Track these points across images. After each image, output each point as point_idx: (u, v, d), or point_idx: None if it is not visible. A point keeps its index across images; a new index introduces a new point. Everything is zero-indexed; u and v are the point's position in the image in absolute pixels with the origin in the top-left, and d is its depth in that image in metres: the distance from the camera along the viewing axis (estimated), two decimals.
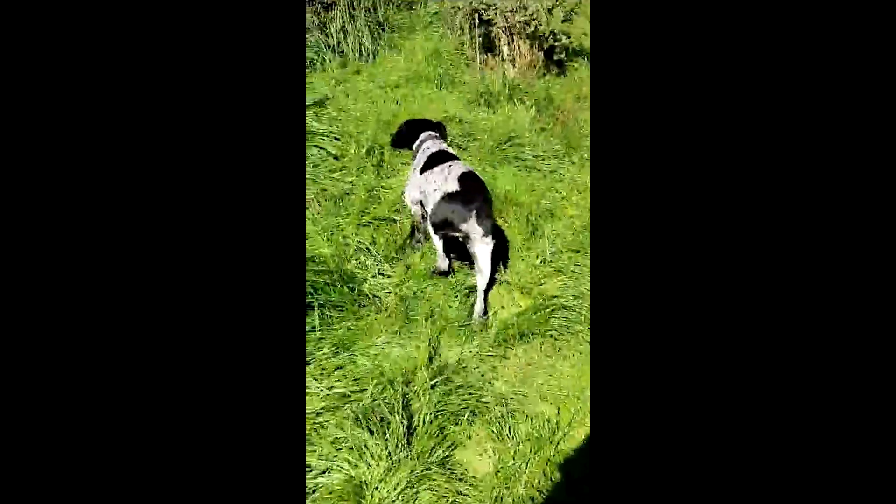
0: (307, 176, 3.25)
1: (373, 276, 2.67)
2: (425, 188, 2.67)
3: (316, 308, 2.39)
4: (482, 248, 2.51)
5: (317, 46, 4.70)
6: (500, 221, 3.16)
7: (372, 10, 5.17)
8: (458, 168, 2.62)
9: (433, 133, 2.99)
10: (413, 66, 4.70)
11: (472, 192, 2.50)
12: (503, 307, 2.68)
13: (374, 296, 2.58)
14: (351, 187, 3.27)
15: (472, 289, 2.67)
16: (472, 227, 2.47)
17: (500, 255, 2.80)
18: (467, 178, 2.55)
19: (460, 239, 2.56)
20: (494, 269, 2.62)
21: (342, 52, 4.83)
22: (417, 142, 2.97)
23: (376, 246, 2.83)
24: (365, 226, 2.98)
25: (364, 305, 2.53)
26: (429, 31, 5.33)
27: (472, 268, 2.64)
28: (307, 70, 4.54)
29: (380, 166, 3.46)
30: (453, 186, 2.52)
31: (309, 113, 3.72)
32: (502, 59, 4.76)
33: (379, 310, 2.52)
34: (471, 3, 4.64)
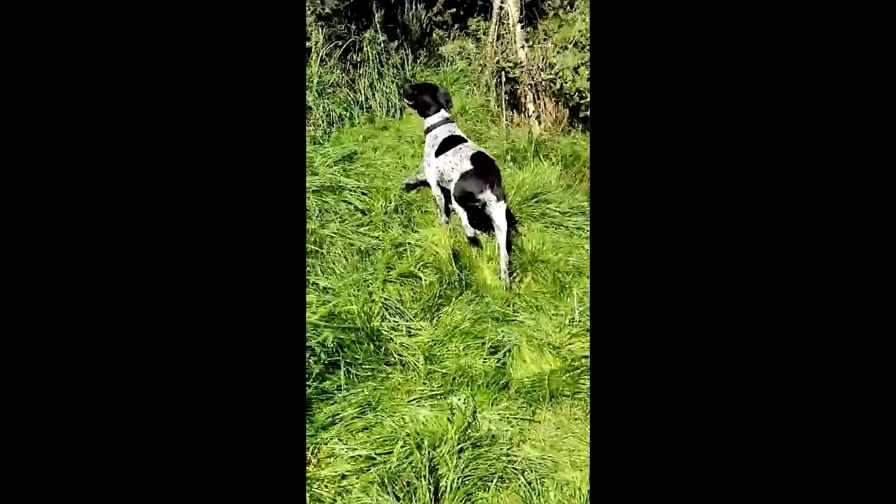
0: (335, 231, 3.26)
1: (400, 335, 2.64)
2: (444, 170, 3.32)
3: (342, 367, 2.36)
4: (498, 210, 3.13)
5: (345, 103, 4.78)
6: (526, 278, 3.15)
7: (400, 67, 5.28)
8: (468, 149, 3.29)
9: (440, 118, 3.53)
10: None
11: (485, 168, 3.17)
12: (528, 363, 2.63)
13: (400, 355, 2.55)
14: (378, 242, 3.27)
15: (500, 346, 2.66)
16: (488, 195, 3.12)
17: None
18: (478, 157, 3.22)
19: (479, 206, 3.19)
20: (510, 224, 3.27)
21: (370, 108, 4.91)
22: (427, 125, 3.55)
23: (403, 303, 2.81)
24: (391, 282, 2.97)
25: (391, 364, 2.50)
26: (455, 88, 5.42)
27: (493, 232, 3.22)
28: (335, 126, 4.61)
29: (407, 222, 3.47)
30: (468, 165, 3.17)
31: (337, 168, 3.76)
32: (528, 117, 4.81)
33: (406, 369, 2.49)
34: (497, 61, 4.72)
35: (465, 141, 3.41)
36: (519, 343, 2.69)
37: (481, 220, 3.30)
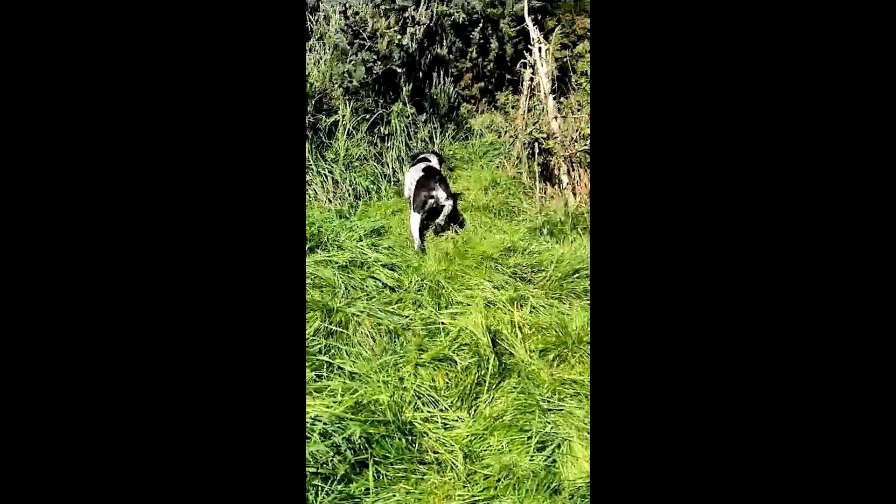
0: (362, 309, 3.02)
1: (435, 428, 2.34)
2: (408, 186, 4.13)
3: (371, 467, 2.06)
4: (446, 206, 3.90)
5: (373, 176, 4.64)
6: (570, 362, 2.86)
7: (429, 140, 5.16)
8: (422, 164, 4.19)
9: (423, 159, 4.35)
10: (471, 195, 4.59)
11: (431, 173, 4.01)
12: (581, 460, 2.31)
13: (436, 452, 2.25)
14: (408, 322, 3.02)
15: (548, 440, 2.37)
16: (438, 193, 3.85)
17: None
18: (428, 169, 4.09)
19: (435, 206, 3.87)
20: (451, 220, 4.04)
21: (398, 181, 4.76)
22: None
23: (437, 391, 2.53)
24: (423, 366, 2.69)
25: (426, 463, 2.20)
26: (485, 160, 5.28)
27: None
28: (362, 199, 4.45)
29: (439, 299, 3.22)
30: (419, 174, 4.02)
31: (365, 242, 3.57)
32: (562, 189, 4.61)
33: (443, 469, 2.18)
34: (530, 132, 4.57)
35: (429, 161, 4.29)
36: (569, 437, 2.38)
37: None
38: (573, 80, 5.49)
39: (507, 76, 6.15)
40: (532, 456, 2.28)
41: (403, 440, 2.22)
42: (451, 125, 5.59)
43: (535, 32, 4.84)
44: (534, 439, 2.33)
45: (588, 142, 4.48)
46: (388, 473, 2.11)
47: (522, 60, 5.00)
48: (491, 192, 4.63)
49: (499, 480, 2.15)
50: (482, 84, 6.21)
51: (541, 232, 4.04)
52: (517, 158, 4.88)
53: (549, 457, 2.30)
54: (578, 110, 4.75)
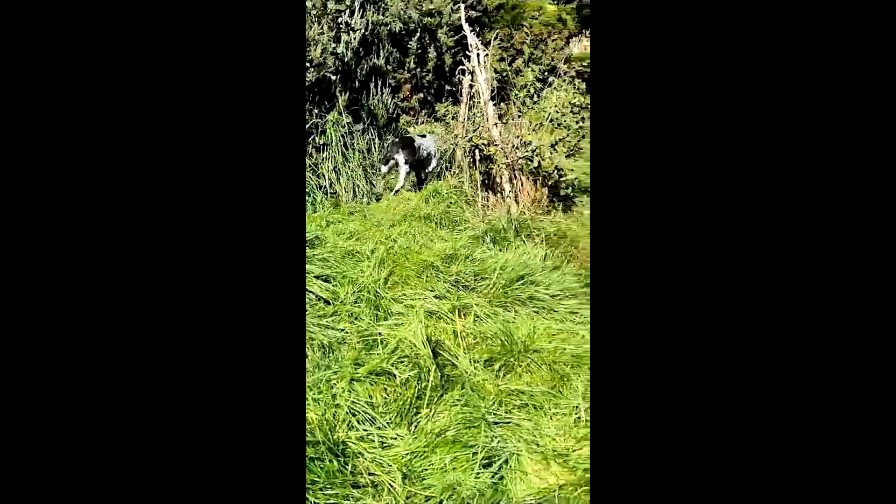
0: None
1: (371, 447, 2.13)
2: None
3: None
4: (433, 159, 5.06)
5: (307, 187, 4.42)
6: (517, 371, 2.69)
7: (366, 151, 4.98)
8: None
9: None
10: (411, 205, 4.42)
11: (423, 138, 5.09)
12: (531, 476, 2.13)
13: (372, 473, 2.03)
14: (343, 336, 2.81)
15: (495, 455, 2.17)
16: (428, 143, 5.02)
17: None
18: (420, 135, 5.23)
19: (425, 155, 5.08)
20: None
21: (334, 192, 4.55)
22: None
23: (374, 407, 2.32)
24: (360, 381, 2.47)
25: (360, 486, 1.98)
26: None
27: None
28: None
29: (377, 310, 3.02)
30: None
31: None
32: (505, 197, 4.49)
33: (379, 492, 1.97)
34: (469, 139, 4.44)
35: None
36: (517, 451, 2.20)
37: None
38: (513, 94, 5.42)
39: (447, 87, 6.04)
40: (478, 473, 2.09)
41: (335, 462, 2.01)
42: (390, 136, 5.42)
43: (472, 39, 4.73)
44: (479, 455, 2.14)
45: (530, 147, 4.38)
46: (317, 501, 1.89)
47: (461, 67, 4.88)
48: (432, 202, 4.47)
49: (441, 502, 1.95)
50: (422, 95, 6.07)
51: (483, 240, 3.89)
52: (458, 167, 4.75)
53: (495, 473, 2.11)
54: (518, 117, 4.66)
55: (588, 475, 2.07)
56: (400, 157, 4.91)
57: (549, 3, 8.38)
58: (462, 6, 5.07)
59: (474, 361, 2.71)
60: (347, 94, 4.97)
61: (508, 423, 2.39)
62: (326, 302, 3.05)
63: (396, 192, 4.92)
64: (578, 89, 4.73)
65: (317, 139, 4.69)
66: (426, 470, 2.10)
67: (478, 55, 4.68)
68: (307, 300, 3.04)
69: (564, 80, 4.95)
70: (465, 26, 4.87)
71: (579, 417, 2.35)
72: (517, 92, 5.36)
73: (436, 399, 2.41)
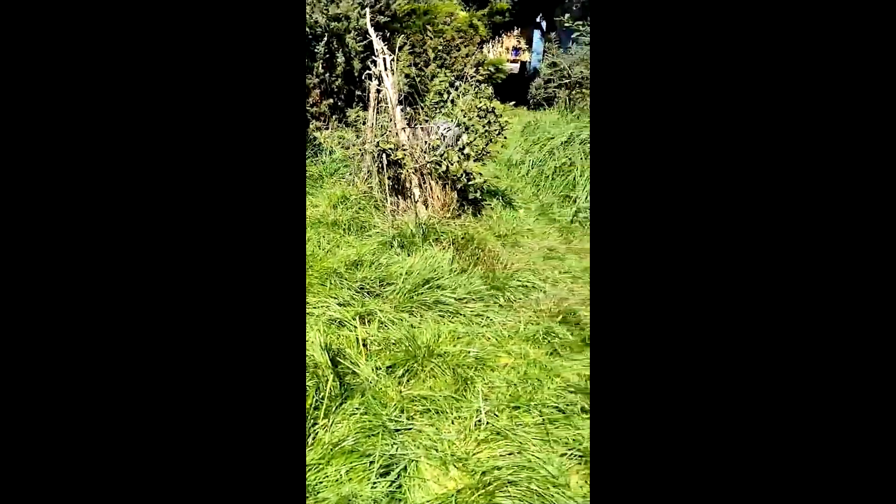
0: None
1: None
2: None
3: None
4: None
5: None
6: (420, 377, 2.66)
7: None
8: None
9: None
10: (318, 211, 4.34)
11: None
12: (429, 482, 2.11)
13: None
14: None
15: (393, 463, 2.11)
16: None
17: None
18: None
19: None
20: None
21: None
22: None
23: None
24: None
25: None
26: (335, 178, 5.05)
27: None
28: None
29: None
30: None
31: None
32: (414, 202, 4.47)
33: None
34: (377, 143, 4.40)
35: None
36: (416, 458, 2.17)
37: None
38: (426, 98, 5.41)
39: (357, 92, 5.98)
40: (374, 483, 2.04)
41: None
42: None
43: (378, 44, 4.70)
44: (376, 464, 2.10)
45: (438, 151, 4.38)
46: None
47: (368, 72, 4.84)
48: (340, 208, 4.40)
49: None
50: (331, 100, 5.99)
51: (391, 245, 3.85)
52: (367, 173, 4.70)
53: (393, 482, 2.07)
54: (427, 121, 4.65)
55: (485, 477, 2.06)
56: None
57: (461, 10, 8.46)
58: (368, 11, 5.02)
59: (377, 368, 2.67)
60: None
61: (410, 429, 2.35)
62: None
63: None
64: (485, 94, 4.76)
65: None
66: (321, 483, 2.04)
67: (384, 60, 4.65)
68: None
69: (472, 85, 4.97)
70: (371, 31, 4.83)
71: (480, 420, 2.35)
72: (430, 96, 5.36)
73: (334, 409, 2.36)
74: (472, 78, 5.22)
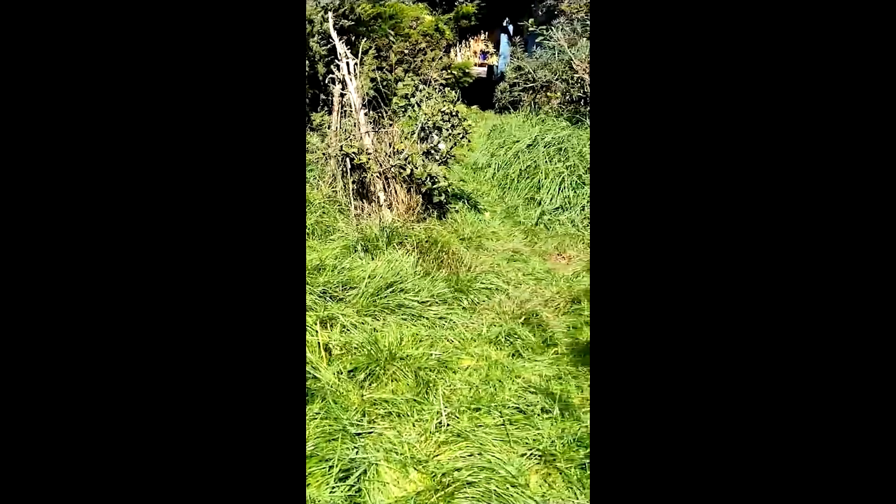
0: None
1: None
2: None
3: None
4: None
5: None
6: (383, 380, 2.66)
7: None
8: None
9: None
10: None
11: None
12: (389, 485, 2.11)
13: None
14: None
15: (352, 467, 2.11)
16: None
17: None
18: None
19: None
20: None
21: None
22: None
23: None
24: None
25: None
26: None
27: None
28: None
29: None
30: None
31: None
32: (378, 205, 4.47)
33: None
34: (341, 147, 4.39)
35: None
36: (376, 461, 2.16)
37: None
38: (393, 102, 5.42)
39: (322, 96, 5.96)
40: (333, 487, 2.04)
41: None
42: None
43: (342, 48, 4.69)
44: (335, 468, 2.09)
45: (402, 155, 4.39)
46: None
47: (331, 76, 4.82)
48: (307, 211, 4.38)
49: None
50: None
51: (355, 249, 3.84)
52: (331, 177, 4.68)
53: (352, 486, 2.06)
54: (391, 125, 4.66)
55: (444, 479, 2.07)
56: None
57: (427, 14, 8.48)
58: (331, 15, 5.01)
59: (338, 373, 2.66)
60: None
61: (371, 433, 2.35)
62: None
63: None
64: (449, 97, 4.78)
65: None
66: None
67: (347, 64, 4.64)
68: None
69: (436, 89, 4.99)
70: (334, 35, 4.82)
71: (440, 423, 2.35)
72: (397, 100, 5.37)
73: None
74: (435, 82, 5.24)
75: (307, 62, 5.68)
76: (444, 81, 5.35)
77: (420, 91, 5.12)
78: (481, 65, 16.57)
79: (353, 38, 6.02)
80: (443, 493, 2.00)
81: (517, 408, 2.49)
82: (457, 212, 4.65)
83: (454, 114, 4.57)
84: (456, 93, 5.06)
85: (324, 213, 4.42)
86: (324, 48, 5.75)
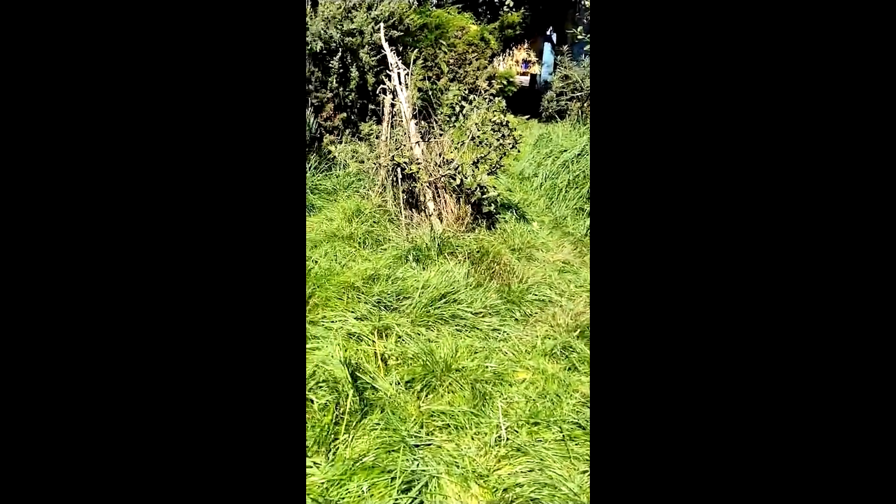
0: None
1: None
2: None
3: None
4: None
5: None
6: (439, 392, 2.65)
7: None
8: None
9: None
10: (333, 225, 4.35)
11: None
12: (451, 499, 2.10)
13: None
14: None
15: (414, 479, 2.11)
16: None
17: None
18: None
19: None
20: None
21: None
22: None
23: None
24: None
25: None
26: (350, 190, 5.07)
27: None
28: None
29: None
30: None
31: None
32: (428, 215, 4.48)
33: None
34: (392, 157, 4.42)
35: None
36: (437, 473, 2.16)
37: None
38: (438, 112, 5.44)
39: (371, 106, 6.02)
40: (396, 499, 2.04)
41: None
42: (314, 156, 5.35)
43: (392, 58, 4.73)
44: (398, 480, 2.09)
45: (452, 165, 4.39)
46: None
47: (382, 86, 4.87)
48: (355, 222, 4.41)
49: None
50: (345, 114, 6.03)
51: (407, 259, 3.86)
52: (381, 186, 4.71)
53: (414, 498, 2.06)
54: (441, 135, 4.67)
55: (506, 494, 2.05)
56: None
57: (472, 24, 8.50)
58: (382, 26, 5.06)
59: (395, 383, 2.67)
60: None
61: (430, 445, 2.35)
62: None
63: None
64: (499, 107, 4.78)
65: None
66: (343, 499, 2.03)
67: (398, 74, 4.68)
68: None
69: (485, 99, 4.99)
70: (385, 45, 4.86)
71: (500, 436, 2.34)
72: (442, 110, 5.39)
73: (354, 424, 2.36)
74: (485, 91, 5.25)
75: (357, 72, 5.74)
76: (493, 91, 5.35)
77: (468, 101, 5.13)
78: (523, 73, 16.55)
79: (402, 49, 6.07)
80: None
81: (576, 423, 2.46)
82: (505, 222, 4.63)
83: (504, 123, 4.57)
84: (503, 102, 5.05)
85: (374, 222, 4.45)
86: (373, 59, 5.81)
